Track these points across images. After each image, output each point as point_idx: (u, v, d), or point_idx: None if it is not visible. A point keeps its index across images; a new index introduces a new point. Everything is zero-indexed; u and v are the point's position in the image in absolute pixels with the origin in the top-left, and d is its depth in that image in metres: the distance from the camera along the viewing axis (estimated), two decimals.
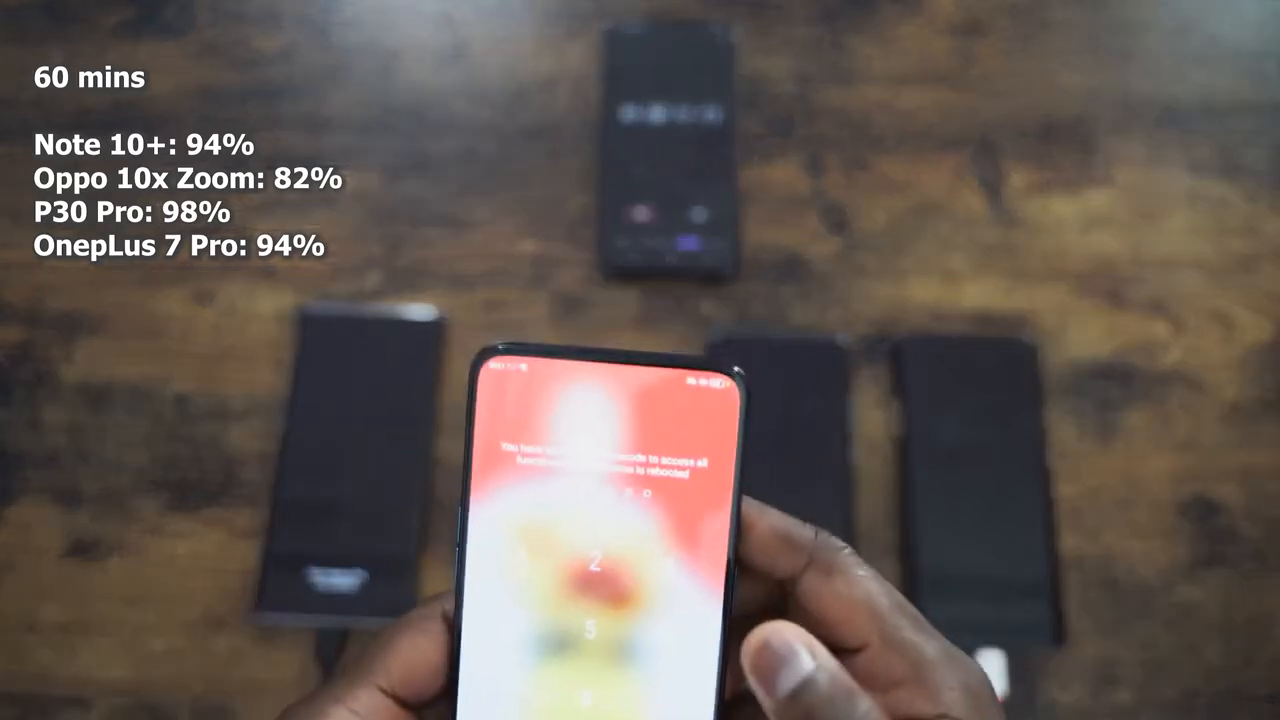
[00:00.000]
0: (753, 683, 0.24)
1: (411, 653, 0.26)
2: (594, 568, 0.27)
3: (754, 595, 0.28)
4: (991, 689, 0.26)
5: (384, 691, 0.26)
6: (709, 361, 0.27)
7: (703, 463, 0.26)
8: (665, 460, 0.26)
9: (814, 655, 0.24)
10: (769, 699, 0.24)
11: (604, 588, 0.27)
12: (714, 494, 0.26)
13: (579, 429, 0.26)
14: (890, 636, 0.26)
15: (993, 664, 0.49)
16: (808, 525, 0.27)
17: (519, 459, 0.26)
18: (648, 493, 0.26)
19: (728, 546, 0.26)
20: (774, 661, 0.24)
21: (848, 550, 0.27)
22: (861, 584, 0.26)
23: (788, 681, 0.24)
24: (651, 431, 0.26)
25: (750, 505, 0.27)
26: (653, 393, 0.26)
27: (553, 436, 0.26)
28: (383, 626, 0.27)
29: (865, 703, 0.24)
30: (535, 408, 0.26)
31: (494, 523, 0.27)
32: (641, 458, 0.26)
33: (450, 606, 0.27)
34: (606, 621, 0.27)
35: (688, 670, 0.26)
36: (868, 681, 0.25)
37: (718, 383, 0.26)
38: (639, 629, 0.27)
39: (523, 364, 0.26)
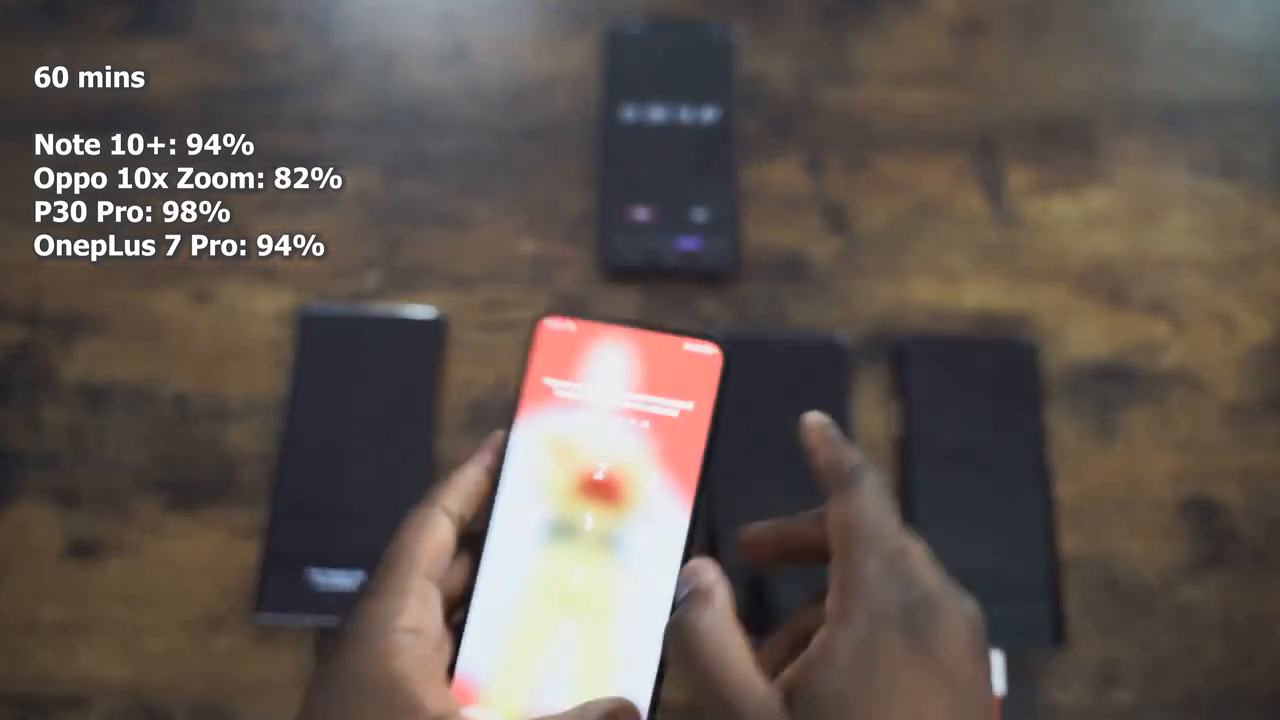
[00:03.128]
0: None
1: (433, 542, 0.34)
2: (598, 476, 0.35)
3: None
4: (931, 616, 0.31)
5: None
6: (703, 334, 0.36)
7: (689, 406, 0.35)
8: (662, 401, 0.35)
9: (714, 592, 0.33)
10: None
11: (603, 492, 0.35)
12: (695, 430, 0.35)
13: (602, 373, 0.36)
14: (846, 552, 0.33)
15: (992, 665, 0.49)
16: (852, 457, 0.35)
17: (555, 391, 0.36)
18: (645, 424, 0.35)
19: (699, 468, 0.35)
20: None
21: (868, 483, 0.34)
22: (856, 509, 0.34)
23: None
24: (654, 379, 0.36)
25: (822, 428, 0.36)
26: (659, 352, 0.36)
27: (583, 377, 0.36)
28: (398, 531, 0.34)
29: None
30: (574, 356, 0.36)
31: (531, 434, 0.35)
32: (644, 397, 0.35)
33: (449, 502, 0.35)
34: (601, 518, 0.35)
35: (657, 560, 0.34)
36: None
37: (708, 349, 0.36)
38: (625, 526, 0.34)
39: (571, 325, 0.36)
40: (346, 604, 0.33)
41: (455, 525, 0.35)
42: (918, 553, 0.33)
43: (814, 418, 0.37)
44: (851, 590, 0.32)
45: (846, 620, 0.32)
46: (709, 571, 0.33)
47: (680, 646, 0.33)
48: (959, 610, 0.33)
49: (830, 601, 0.33)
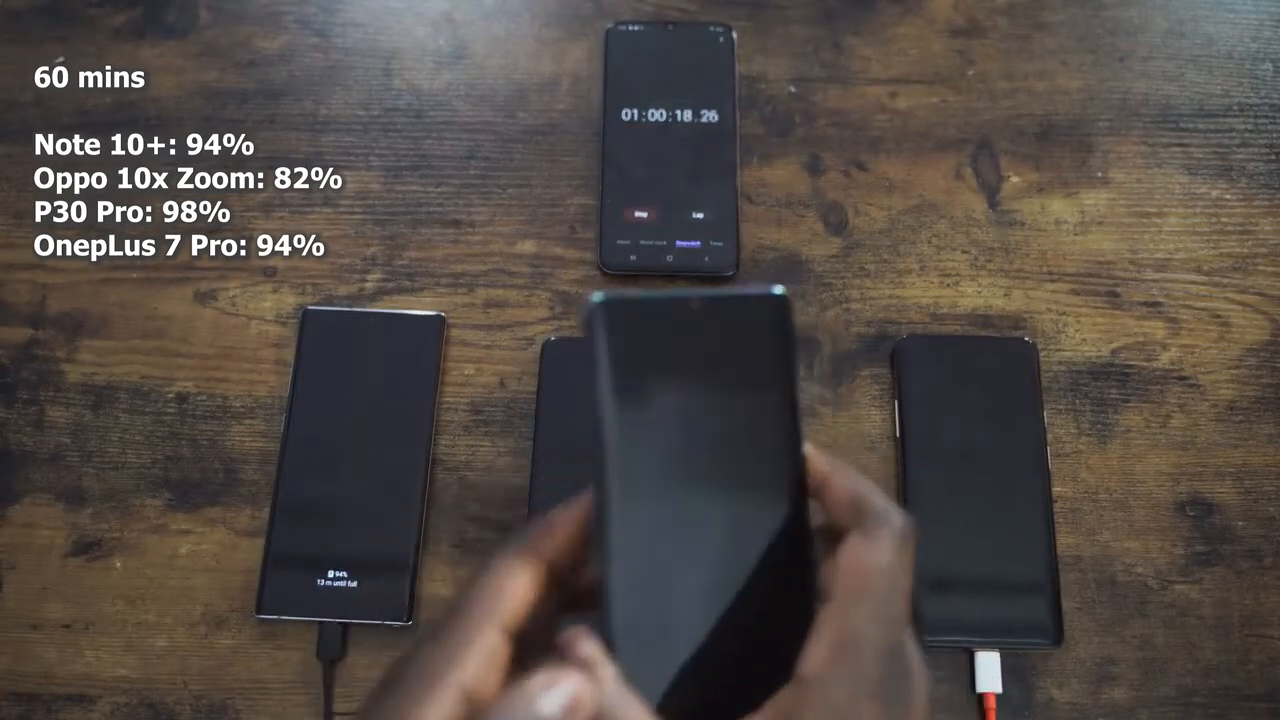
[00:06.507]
0: None
1: (516, 591, 0.29)
2: None
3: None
4: (906, 689, 0.29)
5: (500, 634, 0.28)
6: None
7: None
8: None
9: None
10: None
11: None
12: None
13: None
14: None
15: (989, 664, 0.49)
16: (880, 496, 0.30)
17: None
18: None
19: None
20: None
21: (895, 530, 0.29)
22: (875, 560, 0.29)
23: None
24: None
25: (831, 468, 0.31)
26: None
27: None
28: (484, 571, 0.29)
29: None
30: None
31: None
32: None
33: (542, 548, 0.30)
34: None
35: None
36: None
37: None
38: None
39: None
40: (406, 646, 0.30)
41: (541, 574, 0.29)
42: (911, 626, 0.30)
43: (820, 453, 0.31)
44: (842, 655, 0.29)
45: (828, 683, 0.29)
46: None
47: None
48: (924, 684, 0.31)
49: (814, 653, 0.29)
